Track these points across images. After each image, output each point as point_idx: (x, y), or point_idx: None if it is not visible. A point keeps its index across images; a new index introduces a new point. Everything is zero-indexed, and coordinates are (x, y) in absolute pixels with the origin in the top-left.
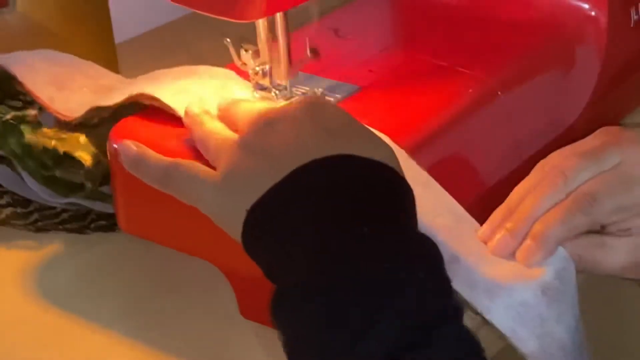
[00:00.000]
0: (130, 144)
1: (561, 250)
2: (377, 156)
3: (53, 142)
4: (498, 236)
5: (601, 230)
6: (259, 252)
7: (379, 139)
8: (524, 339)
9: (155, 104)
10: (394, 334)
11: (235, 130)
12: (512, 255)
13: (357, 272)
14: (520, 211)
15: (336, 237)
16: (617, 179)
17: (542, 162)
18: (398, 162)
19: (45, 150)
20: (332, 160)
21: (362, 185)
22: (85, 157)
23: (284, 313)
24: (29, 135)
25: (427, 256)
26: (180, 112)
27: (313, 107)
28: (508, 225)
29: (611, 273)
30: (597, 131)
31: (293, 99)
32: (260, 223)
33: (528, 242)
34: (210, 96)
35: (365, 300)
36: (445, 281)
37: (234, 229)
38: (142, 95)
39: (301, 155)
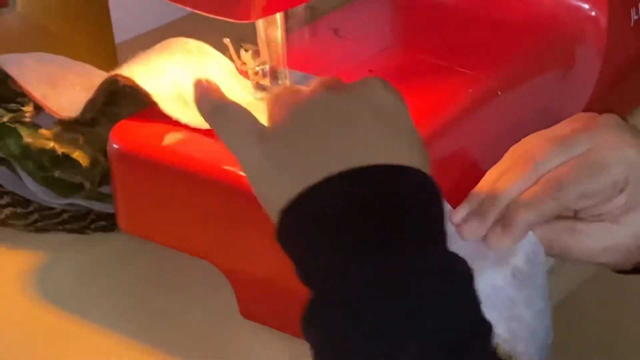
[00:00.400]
0: (205, 81)
1: (531, 235)
2: (414, 161)
3: (51, 143)
4: (469, 220)
5: (574, 215)
6: (292, 245)
7: (423, 145)
8: (492, 322)
9: (129, 84)
10: (426, 348)
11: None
12: (482, 240)
13: (392, 287)
14: (491, 196)
15: (372, 250)
16: (585, 165)
17: (515, 146)
18: (429, 164)
19: (44, 151)
20: (381, 168)
21: (401, 200)
22: (84, 157)
23: (319, 324)
24: (27, 137)
25: (459, 273)
26: (154, 94)
27: (374, 94)
28: (478, 210)
29: (582, 258)
30: (572, 116)
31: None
32: (298, 218)
33: (498, 227)
34: (188, 78)
35: (401, 313)
36: (476, 298)
37: (268, 205)
38: (117, 75)
39: (354, 156)
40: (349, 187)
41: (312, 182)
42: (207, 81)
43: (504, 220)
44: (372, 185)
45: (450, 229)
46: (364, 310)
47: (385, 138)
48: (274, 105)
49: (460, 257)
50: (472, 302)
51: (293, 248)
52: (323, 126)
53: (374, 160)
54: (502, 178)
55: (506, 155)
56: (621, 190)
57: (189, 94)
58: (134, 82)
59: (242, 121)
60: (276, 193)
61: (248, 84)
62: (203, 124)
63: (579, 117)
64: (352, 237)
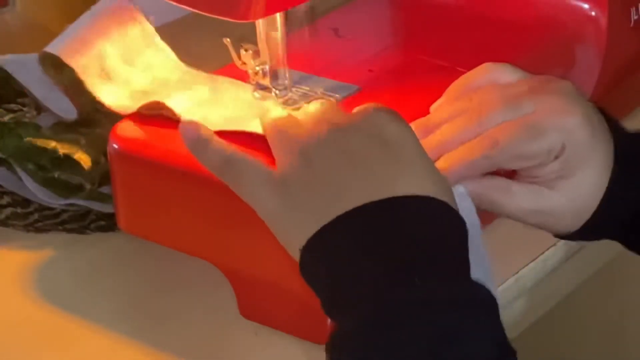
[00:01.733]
0: (196, 124)
1: (460, 188)
2: (437, 193)
3: (53, 144)
4: None
5: (513, 175)
6: (317, 280)
7: (438, 172)
8: None
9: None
10: None
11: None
12: None
13: (417, 318)
14: (430, 140)
15: (397, 283)
16: (524, 127)
17: (476, 90)
18: (452, 193)
19: (44, 151)
20: (396, 201)
21: (424, 231)
22: (85, 158)
23: (347, 354)
24: (28, 137)
25: (483, 302)
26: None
27: (380, 125)
28: None
29: (511, 217)
30: (535, 76)
31: (356, 109)
32: (319, 255)
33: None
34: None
35: (426, 345)
36: (500, 326)
37: (289, 245)
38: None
39: (366, 191)
40: (364, 221)
41: (329, 219)
42: (193, 123)
43: (438, 164)
44: (388, 217)
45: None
46: (389, 341)
47: (396, 170)
48: (278, 145)
49: (483, 286)
50: (497, 330)
51: (317, 283)
52: (334, 166)
53: (386, 193)
54: (446, 125)
55: (464, 92)
56: (556, 157)
57: (114, 69)
58: (59, 57)
59: (253, 171)
60: (296, 234)
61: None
62: (124, 109)
63: (539, 78)
64: (372, 269)
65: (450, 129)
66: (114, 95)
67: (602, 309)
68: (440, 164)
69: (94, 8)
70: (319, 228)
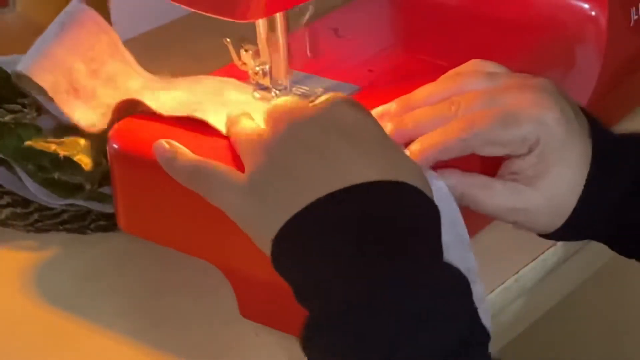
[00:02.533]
0: (163, 143)
1: (442, 185)
2: (405, 177)
3: (53, 147)
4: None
5: (493, 173)
6: (288, 270)
7: (406, 157)
8: None
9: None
10: (420, 357)
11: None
12: None
13: (390, 303)
14: (406, 120)
15: (368, 267)
16: (500, 114)
17: (462, 83)
18: (425, 180)
19: (44, 153)
20: (361, 187)
21: (392, 215)
22: (85, 160)
23: (318, 343)
24: (28, 139)
25: (455, 284)
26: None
27: (338, 115)
28: (389, 127)
29: (491, 214)
30: (515, 74)
31: (317, 100)
32: (290, 245)
33: (411, 147)
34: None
35: (394, 327)
36: (473, 308)
37: (260, 239)
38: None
39: (330, 179)
40: (332, 208)
41: (296, 210)
42: (167, 142)
43: (411, 153)
44: (355, 203)
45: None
46: (362, 327)
47: (358, 156)
48: (243, 150)
49: (455, 269)
50: (468, 311)
51: (289, 273)
52: (296, 158)
53: (352, 180)
54: (426, 108)
55: (455, 76)
56: (530, 150)
57: (80, 84)
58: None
59: (220, 177)
60: (264, 227)
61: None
62: (91, 126)
63: (520, 75)
64: (344, 255)
65: (428, 111)
66: (81, 111)
67: (602, 309)
68: (414, 146)
69: (60, 18)
70: (290, 216)
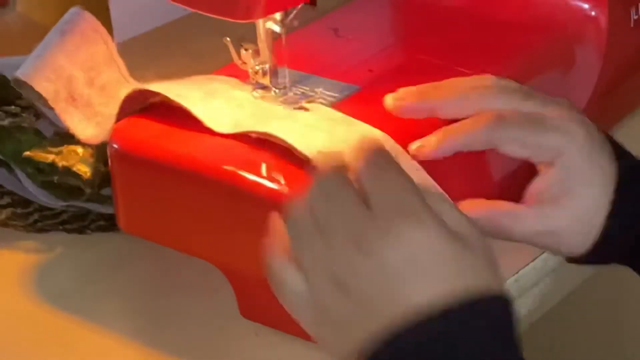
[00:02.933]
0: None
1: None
2: (489, 282)
3: (51, 157)
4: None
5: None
6: None
7: (491, 259)
8: None
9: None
10: None
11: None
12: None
13: None
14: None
15: None
16: (530, 117)
17: (492, 106)
18: (502, 280)
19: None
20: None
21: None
22: (84, 169)
23: None
24: (26, 147)
25: None
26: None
27: (418, 231)
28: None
29: (519, 240)
30: (565, 105)
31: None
32: None
33: (430, 136)
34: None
35: None
36: None
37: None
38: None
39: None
40: (419, 337)
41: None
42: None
43: (436, 132)
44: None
45: None
46: None
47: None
48: (304, 261)
49: None
50: None
51: None
52: (370, 286)
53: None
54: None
55: (480, 105)
56: (552, 161)
57: (78, 93)
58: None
59: (290, 287)
60: (345, 345)
61: None
62: (87, 137)
63: (567, 105)
64: None
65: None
66: (79, 121)
67: (602, 309)
68: (438, 135)
69: (61, 25)
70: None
